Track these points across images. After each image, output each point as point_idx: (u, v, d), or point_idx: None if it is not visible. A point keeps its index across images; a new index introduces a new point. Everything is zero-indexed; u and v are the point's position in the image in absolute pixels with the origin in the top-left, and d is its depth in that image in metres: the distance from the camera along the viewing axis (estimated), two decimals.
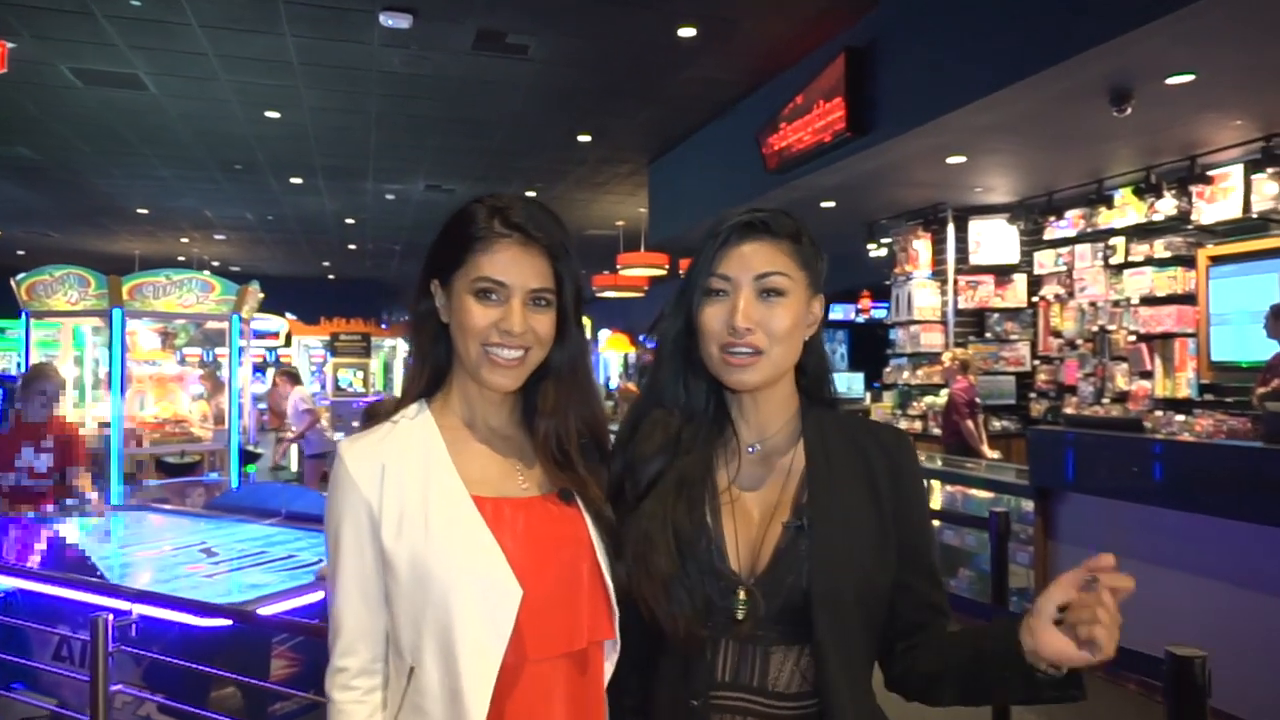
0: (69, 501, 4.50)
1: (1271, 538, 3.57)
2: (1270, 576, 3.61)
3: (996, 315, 8.16)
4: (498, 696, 1.07)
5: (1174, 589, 3.95)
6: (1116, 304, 7.16)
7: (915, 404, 8.33)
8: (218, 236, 15.19)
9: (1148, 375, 6.86)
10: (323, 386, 15.71)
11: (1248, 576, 3.71)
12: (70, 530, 3.90)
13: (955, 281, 8.12)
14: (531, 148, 9.14)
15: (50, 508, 4.41)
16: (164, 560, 3.43)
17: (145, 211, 12.82)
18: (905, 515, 1.20)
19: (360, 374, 15.58)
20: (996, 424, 7.79)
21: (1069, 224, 7.49)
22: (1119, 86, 4.68)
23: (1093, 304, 7.41)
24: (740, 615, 1.12)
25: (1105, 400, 7.16)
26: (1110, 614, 0.93)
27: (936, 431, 7.44)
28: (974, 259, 8.08)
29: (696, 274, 1.20)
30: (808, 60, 6.58)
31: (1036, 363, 8.09)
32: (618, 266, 12.42)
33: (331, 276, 21.11)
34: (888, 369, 8.93)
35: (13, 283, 7.65)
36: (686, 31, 6.10)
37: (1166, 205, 6.51)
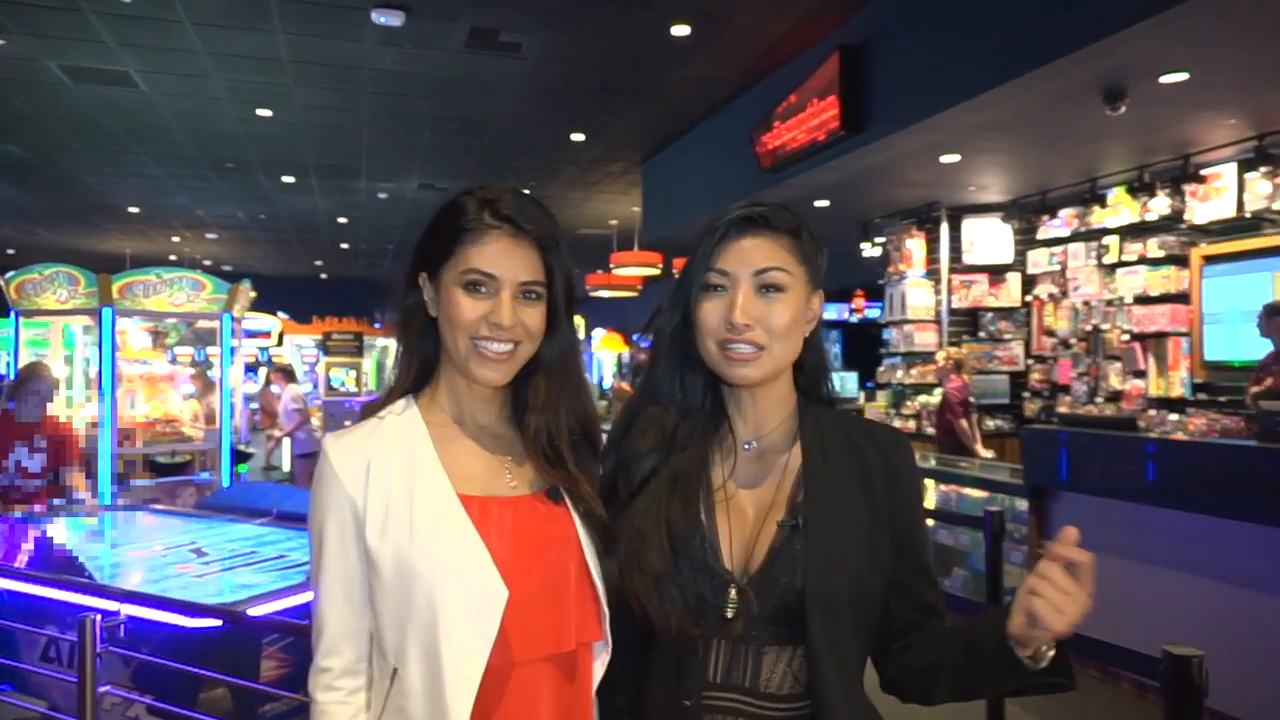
0: (60, 501, 4.49)
1: (1265, 536, 3.57)
2: (1265, 575, 3.61)
3: (990, 314, 8.18)
4: (482, 699, 1.05)
5: (1168, 588, 3.96)
6: (1110, 303, 7.17)
7: (909, 403, 8.33)
8: (209, 235, 15.13)
9: (1141, 374, 6.87)
10: (315, 386, 15.69)
11: (1242, 575, 3.71)
12: (59, 530, 3.87)
13: (949, 281, 8.13)
14: (525, 146, 9.12)
15: (41, 508, 4.38)
16: (154, 560, 3.40)
17: (136, 210, 12.76)
18: (901, 515, 1.19)
19: (353, 373, 15.57)
20: (990, 423, 7.81)
21: (1063, 223, 7.50)
22: (1112, 85, 4.68)
23: (1086, 303, 7.42)
24: (730, 614, 1.10)
25: (1099, 399, 7.16)
26: (1054, 588, 0.93)
27: (930, 431, 7.44)
28: (968, 258, 8.09)
29: (694, 268, 1.18)
30: (801, 59, 6.57)
31: (1030, 362, 8.10)
32: (611, 266, 12.41)
33: (324, 276, 21.07)
34: (881, 368, 8.93)
35: (1, 281, 7.60)
36: (680, 30, 6.09)
37: (1160, 204, 6.52)
